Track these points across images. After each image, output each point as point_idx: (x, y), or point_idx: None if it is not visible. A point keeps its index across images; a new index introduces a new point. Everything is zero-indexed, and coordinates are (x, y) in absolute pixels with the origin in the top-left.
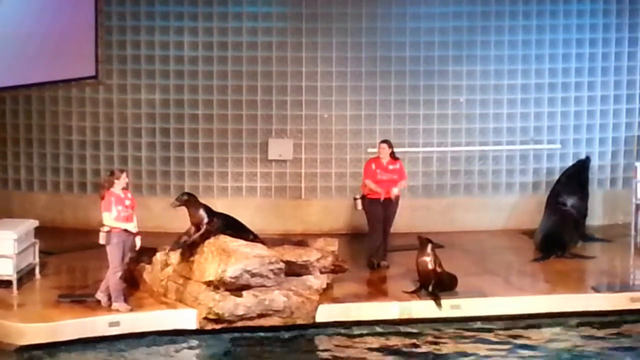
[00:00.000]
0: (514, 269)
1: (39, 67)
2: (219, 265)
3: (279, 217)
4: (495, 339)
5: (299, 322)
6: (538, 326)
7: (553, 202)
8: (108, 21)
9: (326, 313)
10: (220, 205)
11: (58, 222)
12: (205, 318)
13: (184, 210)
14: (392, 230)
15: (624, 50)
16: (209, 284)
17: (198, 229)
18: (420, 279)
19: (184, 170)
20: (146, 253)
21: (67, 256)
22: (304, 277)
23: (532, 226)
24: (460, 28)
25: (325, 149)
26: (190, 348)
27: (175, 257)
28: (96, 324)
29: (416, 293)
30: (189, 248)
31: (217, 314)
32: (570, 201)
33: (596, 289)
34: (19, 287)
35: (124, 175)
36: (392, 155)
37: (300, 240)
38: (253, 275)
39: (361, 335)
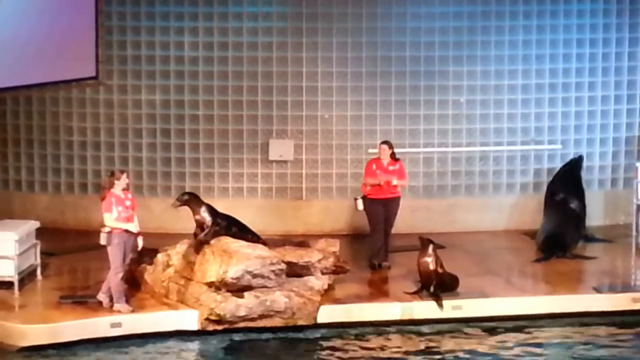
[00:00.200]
0: (515, 270)
1: (39, 67)
2: (220, 266)
3: (280, 217)
4: (496, 340)
5: (301, 323)
6: (539, 327)
7: (551, 202)
8: (108, 21)
9: (328, 314)
10: (221, 206)
11: (59, 223)
12: (207, 319)
13: (185, 210)
14: (393, 231)
15: (624, 50)
16: (210, 285)
17: (202, 228)
18: (422, 279)
19: (184, 171)
20: (147, 254)
21: (69, 257)
22: (306, 278)
23: (533, 227)
24: (460, 28)
25: (326, 150)
26: (192, 349)
27: (176, 258)
28: (98, 325)
29: (417, 294)
30: (201, 245)
31: (218, 315)
32: (569, 200)
33: (597, 290)
34: (20, 289)
35: (124, 176)
36: (393, 156)
37: (302, 241)
38: (254, 276)
39: (363, 336)
